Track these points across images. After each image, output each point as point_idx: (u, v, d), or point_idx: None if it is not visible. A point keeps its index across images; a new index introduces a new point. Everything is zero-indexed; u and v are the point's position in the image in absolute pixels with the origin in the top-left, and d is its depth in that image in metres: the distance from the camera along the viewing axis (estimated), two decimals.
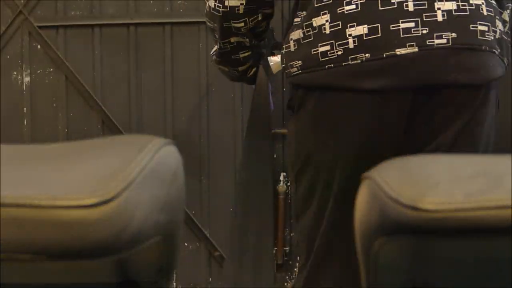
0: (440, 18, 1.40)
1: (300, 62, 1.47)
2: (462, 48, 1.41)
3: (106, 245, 0.67)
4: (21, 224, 0.66)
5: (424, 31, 1.39)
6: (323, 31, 1.42)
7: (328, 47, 1.42)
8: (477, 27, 1.42)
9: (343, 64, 1.41)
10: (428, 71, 1.40)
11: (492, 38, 1.44)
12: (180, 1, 2.92)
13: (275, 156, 2.90)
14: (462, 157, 0.75)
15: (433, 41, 1.39)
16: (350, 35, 1.40)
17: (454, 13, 1.41)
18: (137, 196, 0.70)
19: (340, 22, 1.41)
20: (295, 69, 1.49)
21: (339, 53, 1.41)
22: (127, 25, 2.93)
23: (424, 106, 1.44)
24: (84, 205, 0.66)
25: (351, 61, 1.40)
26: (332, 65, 1.42)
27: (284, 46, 1.54)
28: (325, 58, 1.42)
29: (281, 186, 2.92)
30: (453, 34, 1.39)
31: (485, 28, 1.43)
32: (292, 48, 1.49)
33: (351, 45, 1.40)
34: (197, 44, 2.92)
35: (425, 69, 1.40)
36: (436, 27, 1.39)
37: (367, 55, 1.39)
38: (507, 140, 2.72)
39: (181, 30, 2.93)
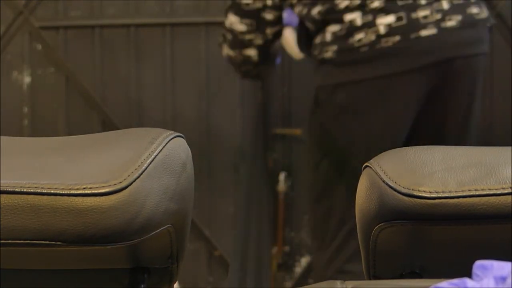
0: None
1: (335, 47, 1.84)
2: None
3: (119, 231, 0.71)
4: (38, 211, 0.70)
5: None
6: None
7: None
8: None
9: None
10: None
11: None
12: (180, 2, 2.95)
13: (275, 156, 2.92)
14: (456, 148, 0.80)
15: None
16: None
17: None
18: (148, 186, 0.74)
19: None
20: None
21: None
22: (128, 25, 2.95)
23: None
24: (98, 193, 0.71)
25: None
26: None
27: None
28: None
29: (281, 186, 2.94)
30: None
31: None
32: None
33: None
34: (197, 44, 2.95)
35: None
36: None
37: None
38: (507, 139, 2.74)
39: (181, 31, 2.95)
